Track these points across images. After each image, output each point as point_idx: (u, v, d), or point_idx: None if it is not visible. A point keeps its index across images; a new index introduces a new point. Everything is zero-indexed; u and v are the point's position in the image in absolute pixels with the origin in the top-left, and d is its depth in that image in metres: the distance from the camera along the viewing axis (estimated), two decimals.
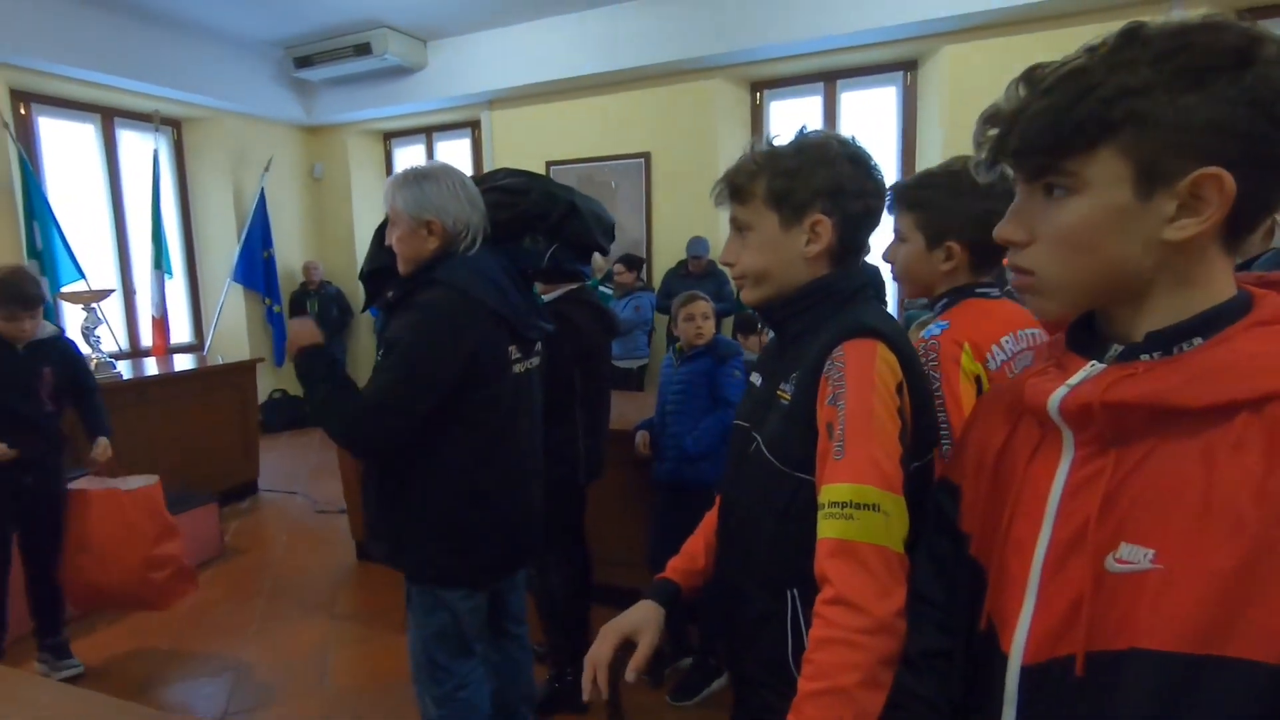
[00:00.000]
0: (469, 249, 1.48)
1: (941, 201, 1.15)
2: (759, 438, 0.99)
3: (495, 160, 5.95)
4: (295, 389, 6.52)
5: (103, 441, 2.51)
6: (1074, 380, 0.62)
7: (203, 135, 5.94)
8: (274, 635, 2.81)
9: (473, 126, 6.19)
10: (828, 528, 0.83)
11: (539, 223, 1.57)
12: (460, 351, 1.40)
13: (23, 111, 4.79)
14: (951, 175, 1.15)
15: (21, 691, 1.17)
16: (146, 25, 5.01)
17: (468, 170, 5.88)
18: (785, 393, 0.97)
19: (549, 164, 5.66)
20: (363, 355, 6.83)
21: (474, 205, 1.49)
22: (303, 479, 4.86)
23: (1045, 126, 0.58)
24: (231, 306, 6.00)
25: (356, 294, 6.69)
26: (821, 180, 0.95)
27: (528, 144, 5.79)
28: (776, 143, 0.99)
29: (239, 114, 5.95)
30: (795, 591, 0.95)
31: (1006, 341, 1.12)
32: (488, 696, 1.65)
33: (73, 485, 2.48)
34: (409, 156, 6.76)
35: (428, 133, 6.49)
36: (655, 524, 2.47)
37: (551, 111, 5.72)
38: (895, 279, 1.28)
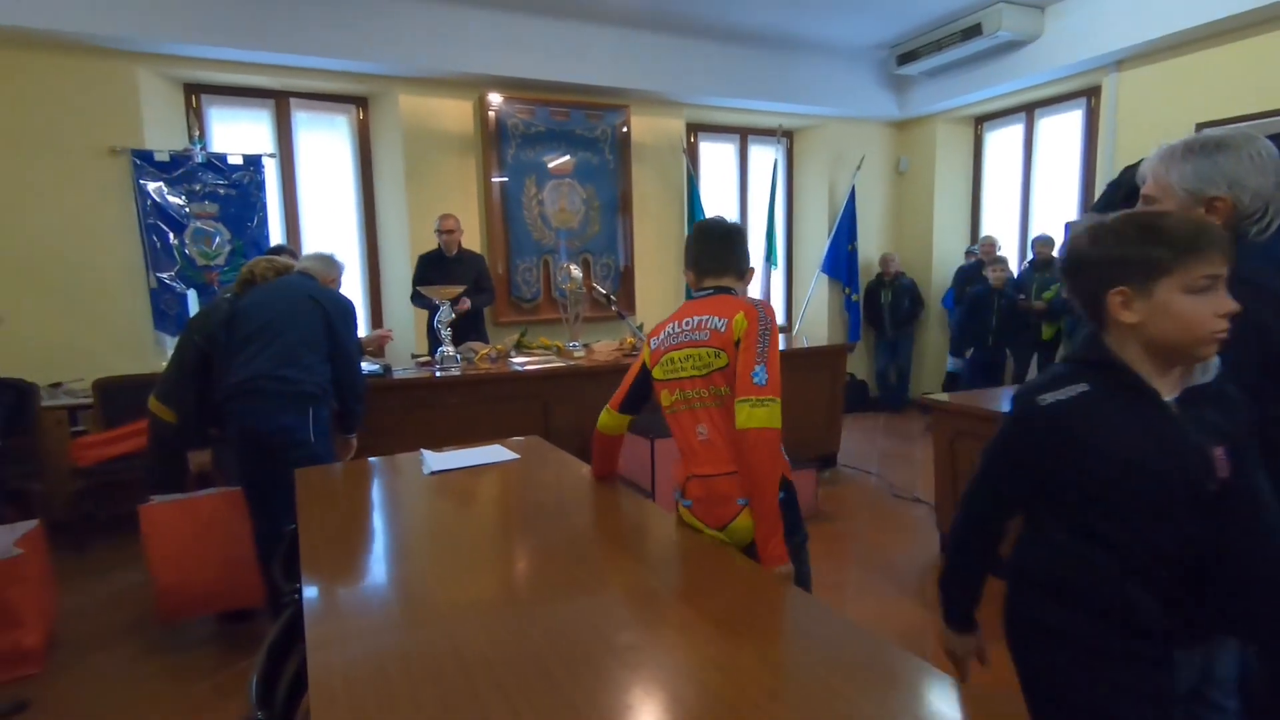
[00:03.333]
0: (1262, 233, 1.19)
1: None
2: None
3: (1119, 131, 5.07)
4: (862, 373, 6.89)
5: None
6: None
7: (809, 142, 6.71)
8: (868, 605, 2.99)
9: (1089, 95, 5.39)
10: None
11: None
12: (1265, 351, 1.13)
13: (691, 140, 6.19)
14: None
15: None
16: (777, 54, 5.87)
17: (1079, 145, 5.09)
18: None
19: (1199, 126, 4.52)
20: (930, 348, 6.78)
21: (1278, 178, 1.19)
22: (874, 460, 5.10)
23: None
24: (817, 294, 6.68)
25: (930, 285, 6.66)
26: None
27: (1167, 105, 4.76)
28: None
29: (840, 118, 6.50)
30: None
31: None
32: None
33: None
34: (1003, 139, 6.31)
35: (1028, 110, 5.93)
36: None
37: (1201, 62, 4.58)
38: None
